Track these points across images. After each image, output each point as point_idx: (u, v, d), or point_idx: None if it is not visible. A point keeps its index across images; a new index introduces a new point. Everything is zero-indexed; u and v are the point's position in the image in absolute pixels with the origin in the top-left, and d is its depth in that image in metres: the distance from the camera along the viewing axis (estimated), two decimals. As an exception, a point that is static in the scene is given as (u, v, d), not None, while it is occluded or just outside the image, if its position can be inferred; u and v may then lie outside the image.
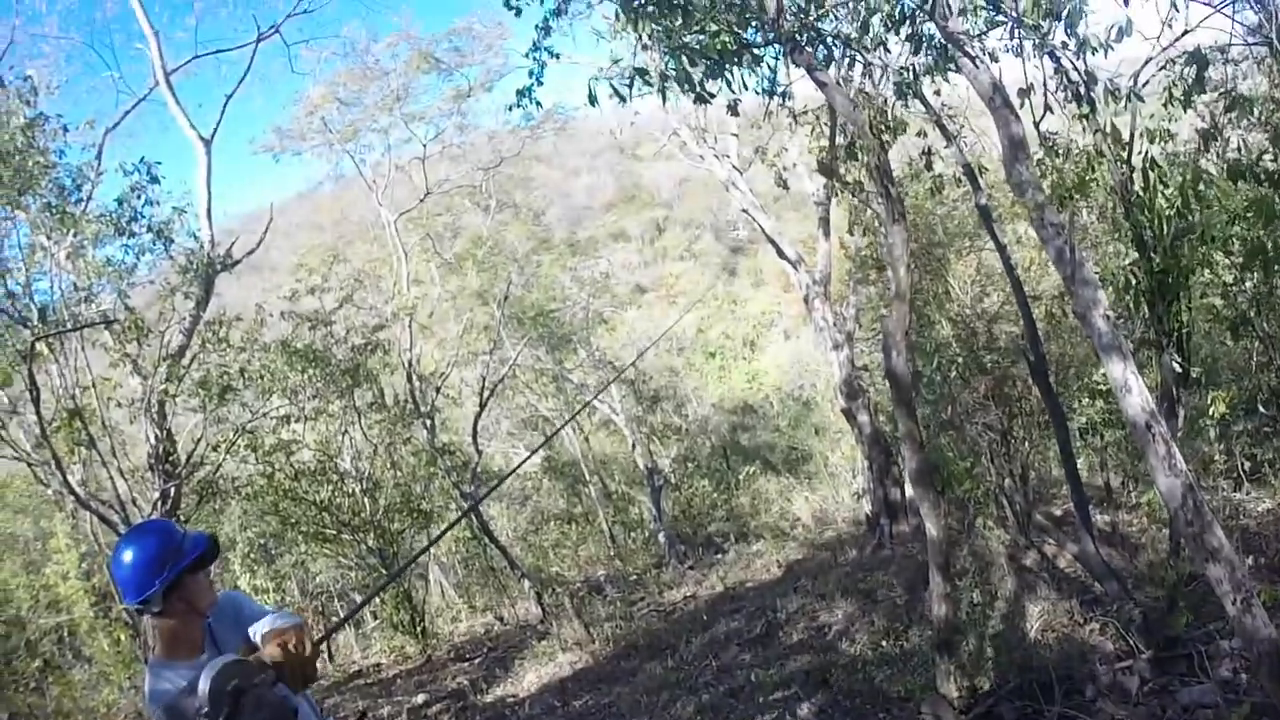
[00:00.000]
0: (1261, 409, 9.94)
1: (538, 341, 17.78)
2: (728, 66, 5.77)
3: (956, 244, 13.04)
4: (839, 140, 8.52)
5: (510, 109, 6.05)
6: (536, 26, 5.90)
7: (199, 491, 10.04)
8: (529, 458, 15.04)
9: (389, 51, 16.88)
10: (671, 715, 7.68)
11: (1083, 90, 7.88)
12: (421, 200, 16.17)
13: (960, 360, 10.90)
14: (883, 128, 6.83)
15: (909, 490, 13.37)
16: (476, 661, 10.92)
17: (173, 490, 9.01)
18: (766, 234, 13.07)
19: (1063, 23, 5.33)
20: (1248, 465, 9.51)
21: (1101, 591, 7.16)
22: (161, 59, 10.78)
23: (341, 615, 13.13)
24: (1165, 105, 7.44)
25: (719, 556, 15.24)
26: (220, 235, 10.68)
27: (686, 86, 5.26)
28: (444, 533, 10.23)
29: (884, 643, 8.01)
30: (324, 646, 10.71)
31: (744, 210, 13.43)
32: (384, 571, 11.33)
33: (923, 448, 6.58)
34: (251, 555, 13.02)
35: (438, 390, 14.55)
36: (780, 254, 13.12)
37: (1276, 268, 8.58)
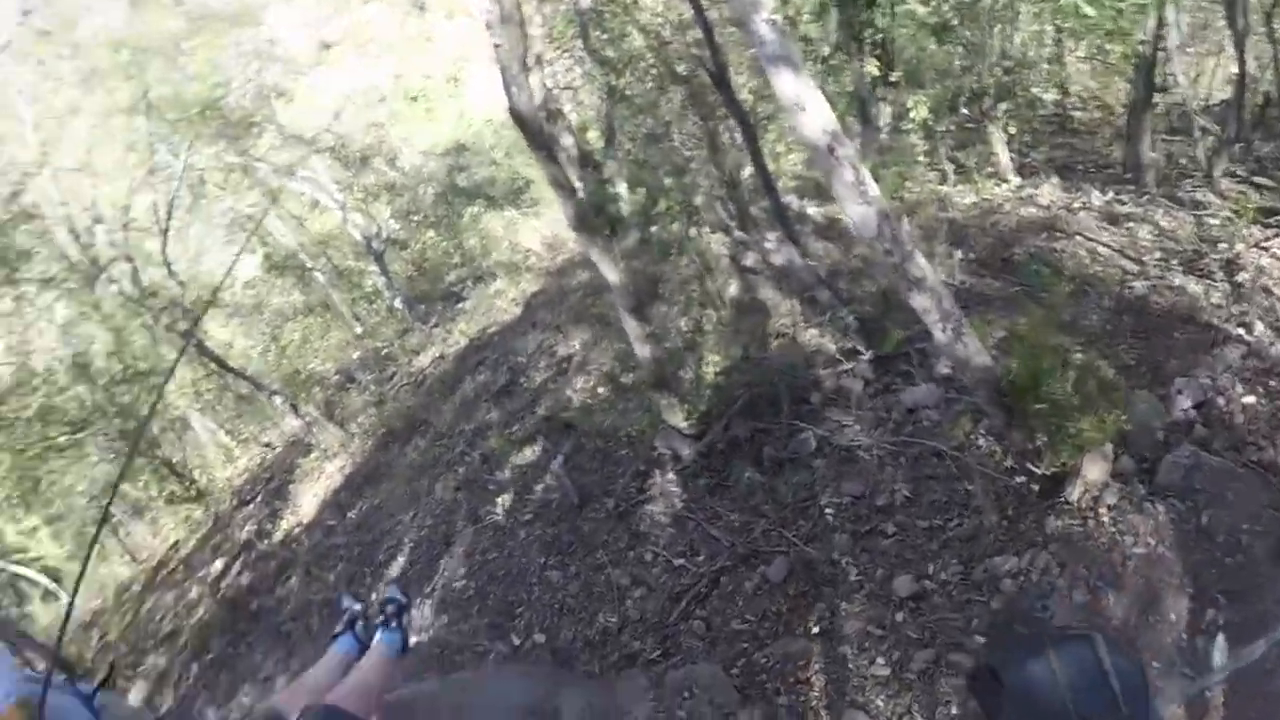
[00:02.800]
0: (964, 110, 10.78)
1: (214, 138, 15.81)
2: None
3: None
4: None
5: None
6: None
7: None
8: (233, 265, 14.00)
9: None
10: (435, 500, 7.88)
11: None
12: (20, 24, 13.09)
13: (655, 71, 10.83)
14: None
15: (624, 204, 13.77)
16: (259, 500, 10.83)
17: None
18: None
19: None
20: (955, 160, 10.18)
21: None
22: None
23: (119, 514, 12.26)
24: None
25: (459, 306, 15.38)
26: None
27: None
28: (160, 393, 9.57)
29: (619, 370, 8.21)
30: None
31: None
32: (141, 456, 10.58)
33: (574, 193, 5.96)
34: (14, 497, 11.78)
35: (124, 227, 12.86)
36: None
37: None
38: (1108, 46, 9.61)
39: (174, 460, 11.82)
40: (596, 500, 6.64)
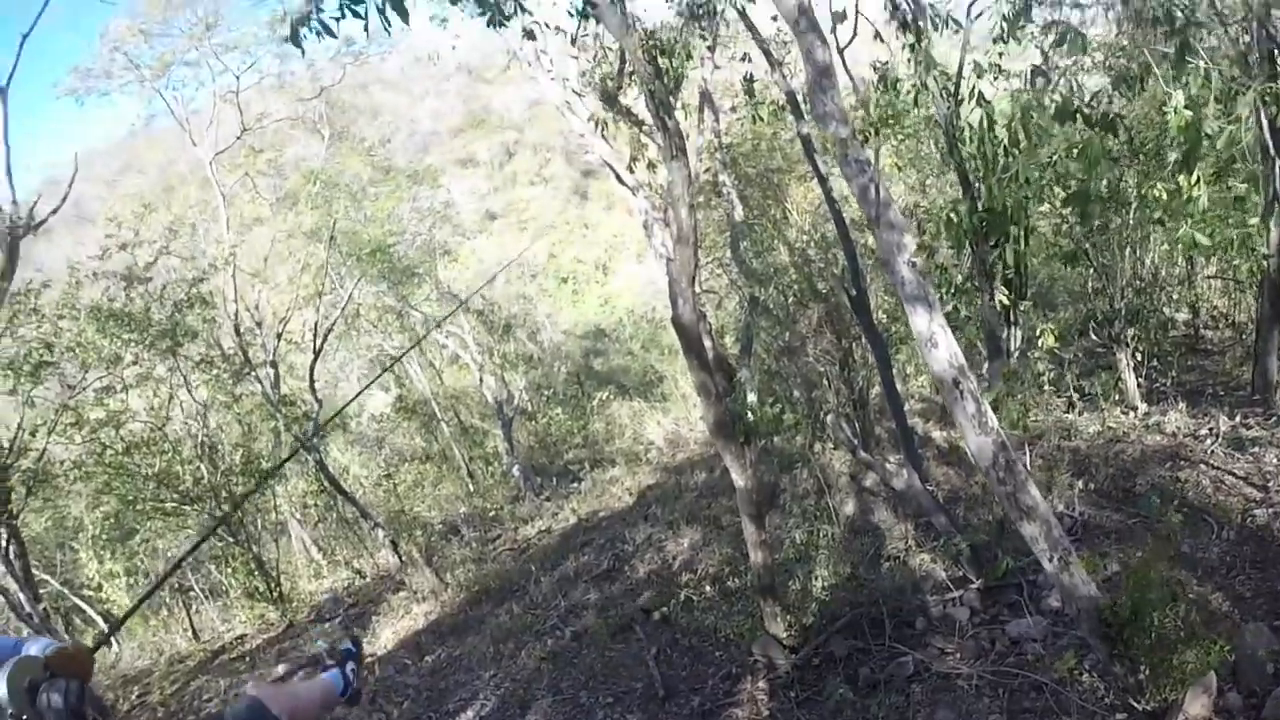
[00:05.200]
0: (1093, 334, 10.58)
1: (378, 278, 16.98)
2: None
3: (799, 169, 13.15)
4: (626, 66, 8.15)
5: (288, 40, 5.20)
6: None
7: (26, 482, 9.29)
8: (361, 391, 14.53)
9: (195, -26, 15.19)
10: (518, 665, 7.69)
11: (909, 19, 7.79)
12: (238, 138, 14.86)
13: (796, 287, 11.10)
14: (657, 51, 6.41)
15: (752, 412, 13.69)
16: (336, 621, 10.65)
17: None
18: (604, 160, 12.75)
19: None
20: (1080, 389, 10.00)
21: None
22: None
23: (197, 589, 12.40)
24: (996, 40, 7.34)
25: (575, 486, 15.30)
26: (32, 193, 9.44)
27: (395, 10, 4.50)
28: (264, 481, 9.78)
29: (726, 573, 8.15)
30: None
31: (581, 135, 13.03)
32: (232, 539, 10.77)
33: (720, 399, 6.42)
34: (103, 537, 12.13)
35: (279, 337, 13.74)
36: (619, 179, 12.83)
37: (1095, 210, 9.07)
38: (1236, 262, 9.38)
39: (264, 559, 11.82)
40: (682, 696, 6.43)
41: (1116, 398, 9.71)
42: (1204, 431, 8.22)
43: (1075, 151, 7.72)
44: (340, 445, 18.03)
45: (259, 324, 13.01)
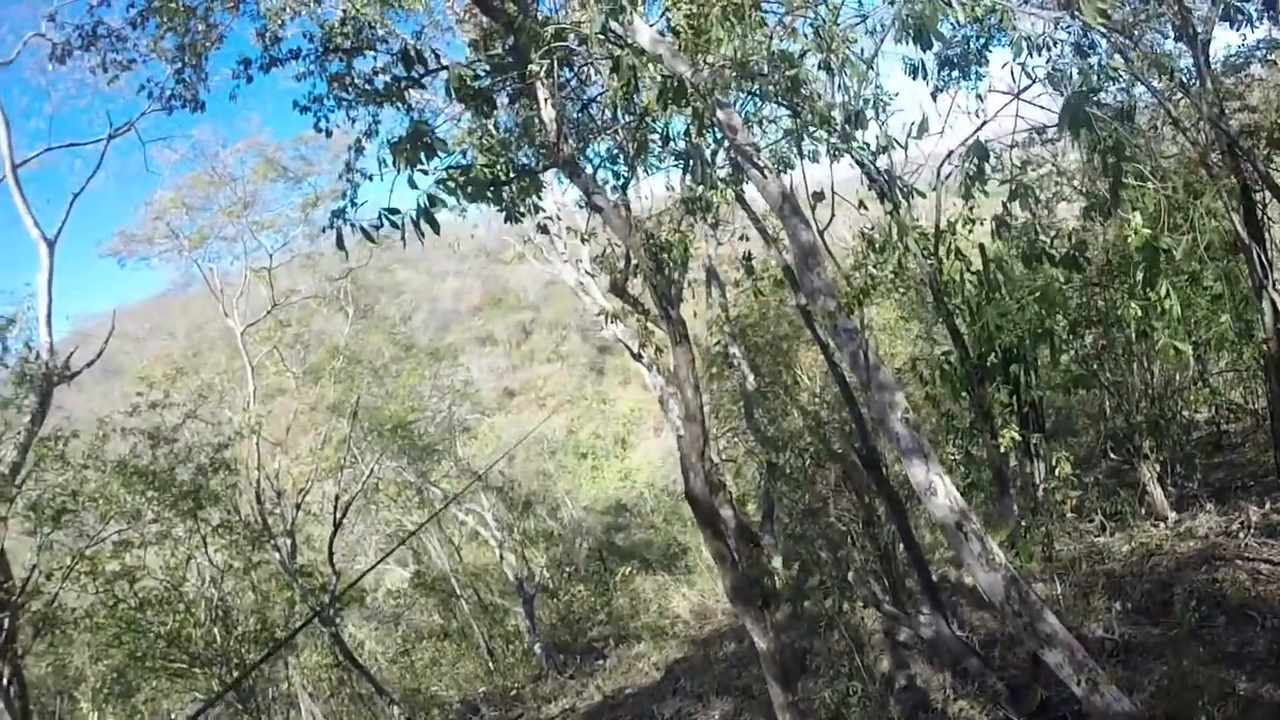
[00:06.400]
0: (1112, 455, 10.62)
1: (398, 454, 17.36)
2: (496, 190, 5.79)
3: (805, 334, 13.64)
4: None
5: (325, 230, 5.68)
6: (349, 148, 5.79)
7: (35, 624, 9.21)
8: (381, 559, 14.55)
9: (238, 157, 16.51)
10: None
11: (885, 188, 8.45)
12: (269, 312, 15.74)
13: (812, 449, 11.28)
14: (658, 249, 6.84)
15: (778, 577, 13.56)
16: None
17: (5, 621, 8.20)
18: (618, 337, 13.30)
19: (852, 125, 5.32)
20: (1105, 510, 9.89)
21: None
22: (11, 149, 10.03)
23: None
24: (964, 197, 7.82)
25: (599, 663, 15.06)
26: (62, 344, 9.92)
27: (427, 224, 5.05)
28: (275, 650, 9.69)
29: None
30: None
31: (597, 314, 13.66)
32: (240, 707, 10.54)
33: (735, 565, 6.60)
34: (104, 690, 11.90)
35: (298, 508, 13.97)
36: (634, 356, 13.35)
37: (1059, 346, 9.35)
38: (1243, 352, 9.46)
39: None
40: None
41: (1144, 512, 9.63)
42: (1235, 527, 8.17)
43: (1036, 295, 8.10)
44: (356, 620, 17.77)
45: (279, 493, 13.27)
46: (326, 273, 17.75)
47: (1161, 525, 9.18)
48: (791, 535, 13.70)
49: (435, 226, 5.09)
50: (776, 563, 13.86)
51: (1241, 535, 7.88)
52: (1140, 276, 6.00)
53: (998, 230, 8.20)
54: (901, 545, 9.96)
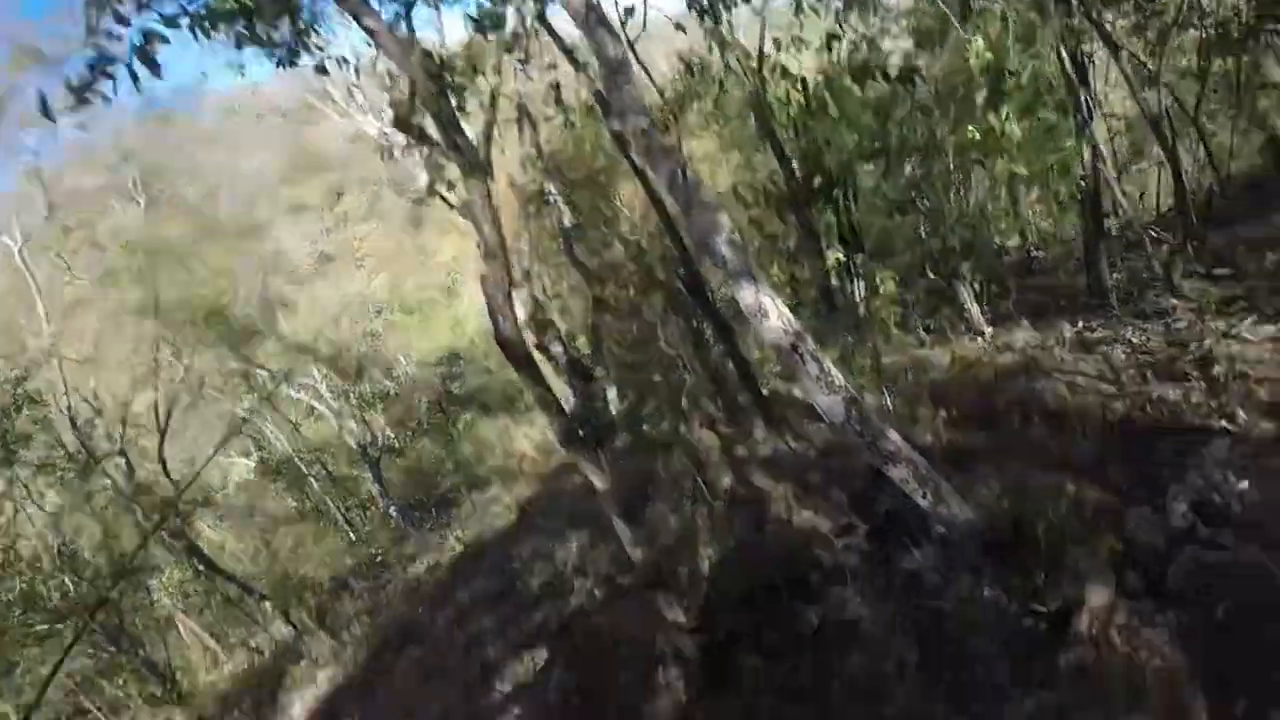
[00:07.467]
0: (931, 275, 11.24)
1: (217, 342, 16.36)
2: (249, 25, 5.44)
3: (624, 165, 13.47)
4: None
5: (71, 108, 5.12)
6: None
7: None
8: (211, 457, 14.01)
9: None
10: (433, 715, 7.64)
11: (706, 3, 8.07)
12: (46, 218, 13.94)
13: (637, 278, 11.36)
14: (439, 71, 6.44)
15: (613, 406, 14.03)
16: (245, 707, 10.28)
17: None
18: (429, 188, 12.71)
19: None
20: (927, 326, 10.55)
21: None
22: None
23: (95, 711, 11.53)
24: (796, 14, 7.56)
25: (455, 512, 15.44)
26: None
27: (144, 64, 4.67)
28: (123, 576, 9.30)
29: (616, 571, 8.16)
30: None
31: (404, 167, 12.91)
32: (115, 649, 10.10)
33: (561, 411, 6.51)
34: None
35: (123, 423, 13.02)
36: (448, 204, 12.82)
37: (897, 162, 9.61)
38: (1056, 186, 10.19)
39: (156, 661, 11.21)
40: (598, 705, 6.40)
41: (964, 328, 10.20)
42: (1051, 342, 8.68)
43: (873, 111, 8.14)
44: (211, 522, 17.24)
45: (99, 413, 12.32)
46: (107, 163, 15.73)
47: (980, 339, 9.76)
48: (623, 364, 14.11)
49: (155, 69, 4.64)
50: (612, 394, 14.28)
51: (1057, 350, 8.41)
52: (982, 100, 6.17)
53: (828, 45, 8.05)
54: (731, 365, 10.42)
